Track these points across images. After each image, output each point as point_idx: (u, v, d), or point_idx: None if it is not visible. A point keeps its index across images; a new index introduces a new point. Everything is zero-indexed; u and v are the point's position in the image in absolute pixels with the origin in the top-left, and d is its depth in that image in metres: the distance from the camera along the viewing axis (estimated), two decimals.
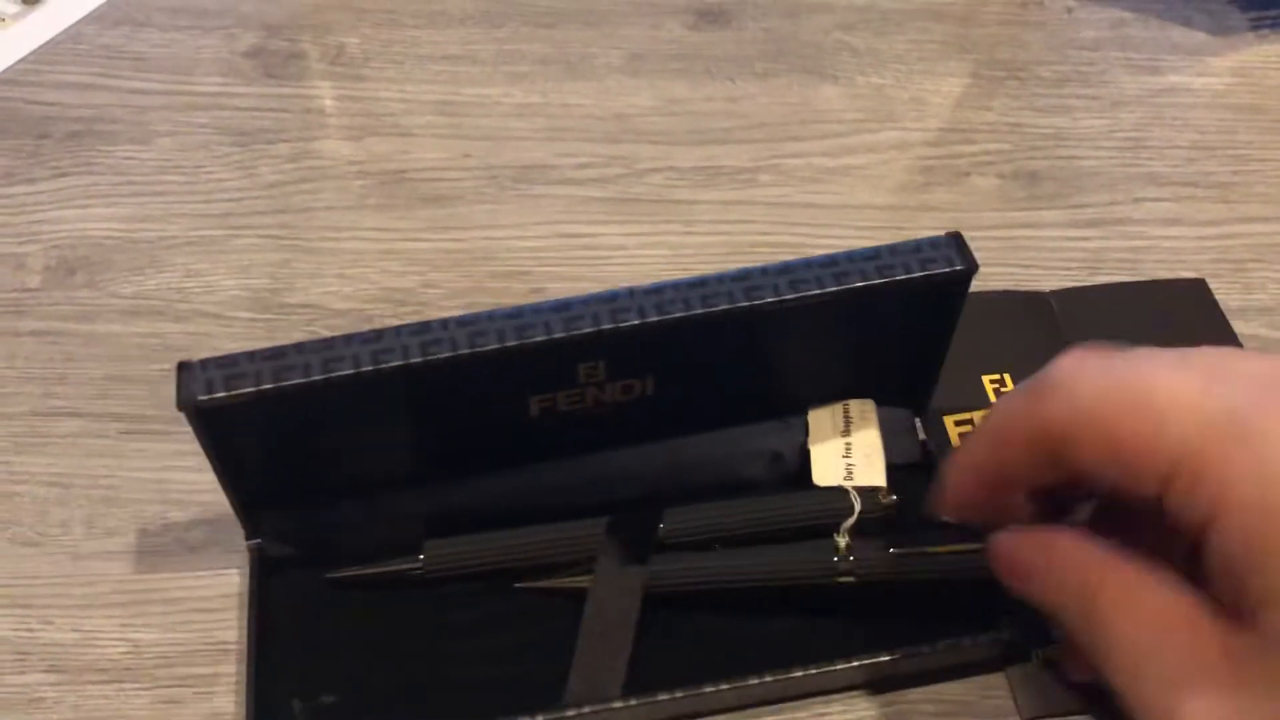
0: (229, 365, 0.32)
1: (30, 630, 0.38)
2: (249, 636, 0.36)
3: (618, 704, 0.34)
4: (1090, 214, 0.52)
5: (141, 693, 0.37)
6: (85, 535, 0.40)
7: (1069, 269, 0.49)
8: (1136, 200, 0.53)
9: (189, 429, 0.39)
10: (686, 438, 0.40)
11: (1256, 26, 0.61)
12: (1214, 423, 0.24)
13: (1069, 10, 0.63)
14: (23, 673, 0.37)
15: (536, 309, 0.33)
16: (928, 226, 0.50)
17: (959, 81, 0.58)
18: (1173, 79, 0.59)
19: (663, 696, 0.34)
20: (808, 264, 0.34)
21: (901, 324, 0.38)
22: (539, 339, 0.33)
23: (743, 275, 0.34)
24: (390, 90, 0.58)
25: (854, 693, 0.36)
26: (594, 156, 0.54)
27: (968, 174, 0.54)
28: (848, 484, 0.38)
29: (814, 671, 0.35)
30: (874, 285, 0.34)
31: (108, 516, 0.41)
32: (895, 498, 0.38)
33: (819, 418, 0.40)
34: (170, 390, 0.43)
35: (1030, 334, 0.47)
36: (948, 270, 0.35)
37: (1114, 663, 0.26)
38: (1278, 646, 0.23)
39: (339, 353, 0.32)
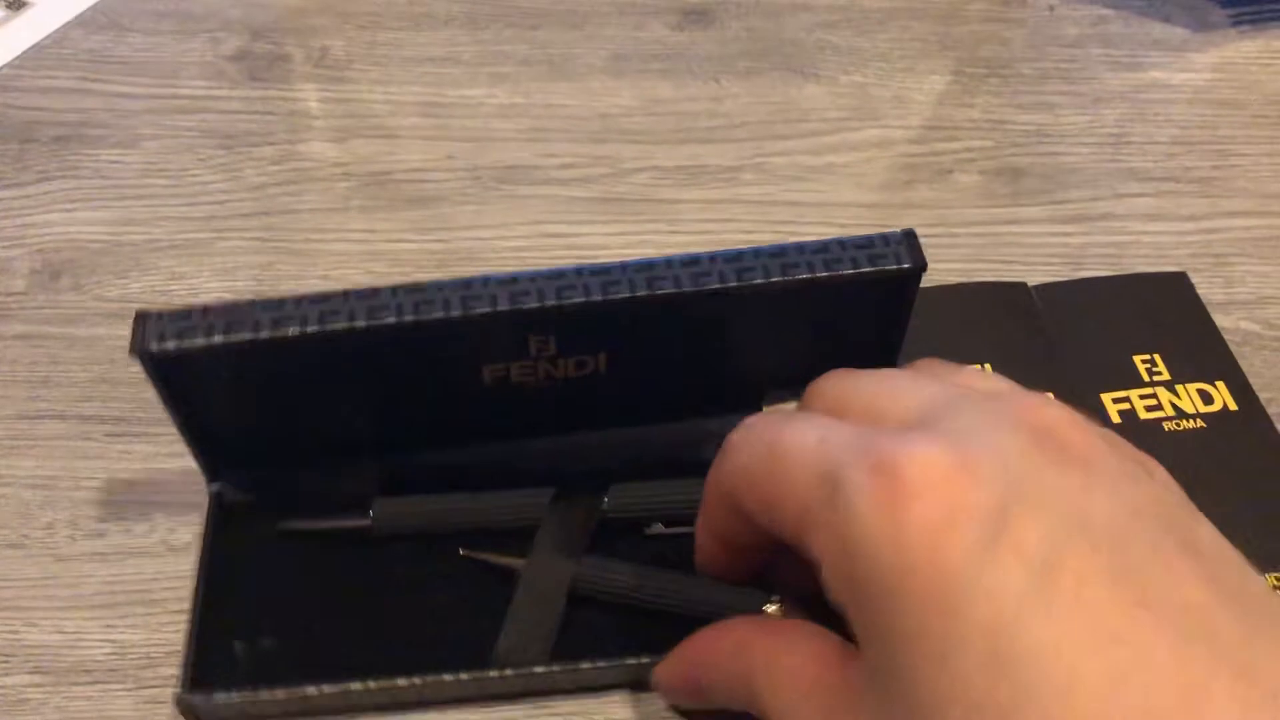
0: (183, 319, 0.34)
1: (14, 632, 0.38)
2: (198, 578, 0.37)
3: (540, 669, 0.35)
4: (1072, 210, 0.52)
5: (125, 694, 0.37)
6: (70, 537, 0.41)
7: (1051, 265, 0.50)
8: (1118, 196, 0.53)
9: (173, 431, 0.40)
10: (645, 426, 0.40)
11: (1237, 22, 0.61)
12: (819, 482, 0.26)
13: (1050, 8, 0.63)
14: (7, 674, 0.37)
15: (485, 280, 0.34)
16: (911, 224, 0.51)
17: (941, 79, 0.59)
18: (1154, 75, 0.59)
19: (585, 665, 0.35)
20: (756, 253, 0.35)
21: (854, 318, 0.38)
22: (483, 311, 0.34)
23: (691, 261, 0.34)
24: (374, 92, 0.58)
25: None
26: (578, 157, 0.54)
27: (950, 171, 0.54)
28: None
29: None
30: (819, 279, 0.34)
31: (92, 518, 0.41)
32: None
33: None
34: (154, 392, 0.43)
35: (1010, 325, 0.47)
36: (895, 268, 0.35)
37: None
38: (879, 677, 0.25)
39: (289, 313, 0.34)
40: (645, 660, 0.35)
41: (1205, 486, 0.41)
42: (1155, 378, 0.45)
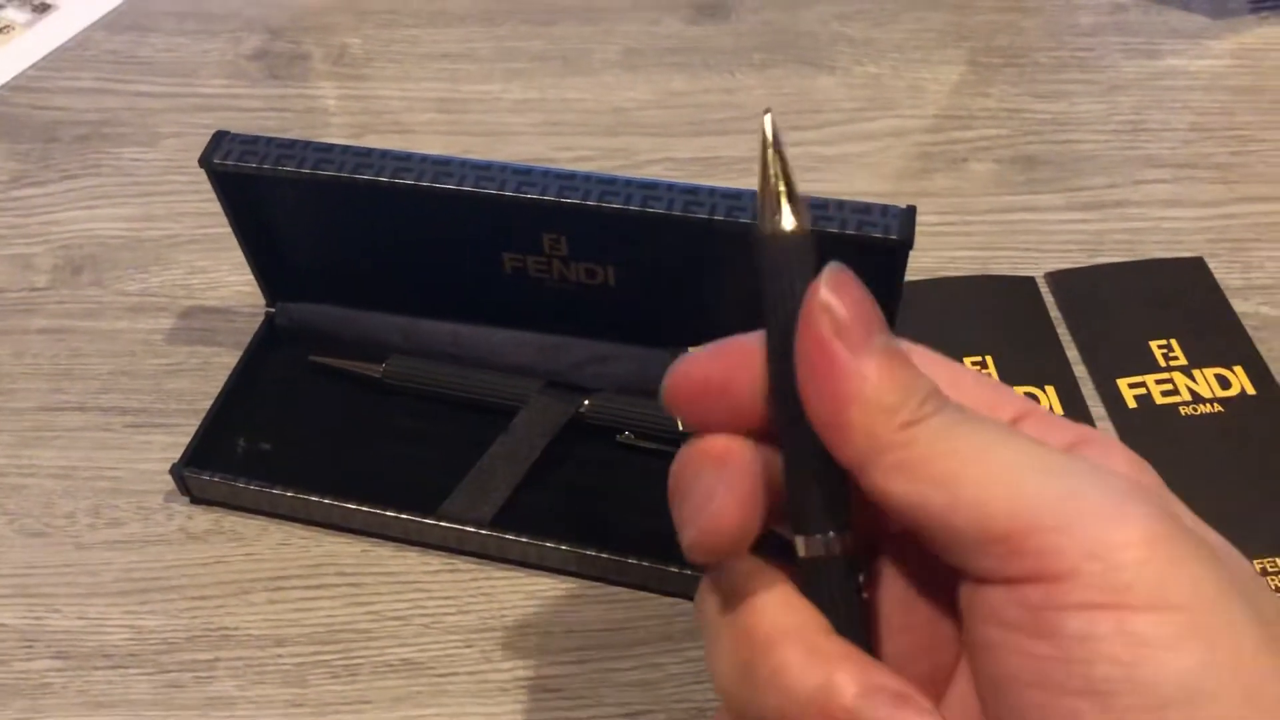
0: (249, 143, 0.39)
1: (37, 618, 0.39)
2: (229, 379, 0.43)
3: (474, 529, 0.39)
4: (1088, 197, 0.52)
5: (144, 678, 0.37)
6: (90, 525, 0.41)
7: (1068, 251, 0.49)
8: (1135, 183, 0.53)
9: (193, 422, 0.41)
10: (644, 347, 0.42)
11: (1256, 8, 0.61)
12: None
13: None
14: (30, 659, 0.38)
15: (503, 167, 0.38)
16: (926, 212, 0.50)
17: (956, 69, 0.59)
18: (1171, 62, 0.58)
19: (519, 538, 0.38)
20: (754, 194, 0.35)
21: None
22: (492, 191, 0.37)
23: (690, 190, 0.36)
24: (391, 89, 0.58)
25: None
26: (592, 150, 0.55)
27: (965, 160, 0.54)
28: None
29: (645, 564, 0.38)
30: None
31: (113, 508, 0.42)
32: None
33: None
34: (175, 384, 0.44)
35: (1015, 317, 0.47)
36: (881, 237, 0.35)
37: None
38: None
39: (331, 157, 0.38)
40: (582, 550, 0.38)
41: (1221, 471, 0.41)
42: (1172, 363, 0.45)
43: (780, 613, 0.21)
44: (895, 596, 0.22)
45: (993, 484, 0.19)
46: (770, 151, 0.20)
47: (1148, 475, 0.21)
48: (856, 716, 0.19)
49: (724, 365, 0.21)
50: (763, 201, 0.20)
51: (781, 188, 0.20)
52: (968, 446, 0.19)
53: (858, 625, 0.21)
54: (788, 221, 0.20)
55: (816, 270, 0.20)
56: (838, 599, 0.21)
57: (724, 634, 0.21)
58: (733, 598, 0.21)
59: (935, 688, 0.21)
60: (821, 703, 0.19)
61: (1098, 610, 0.17)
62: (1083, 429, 0.22)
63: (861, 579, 0.21)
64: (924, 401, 0.19)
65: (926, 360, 0.22)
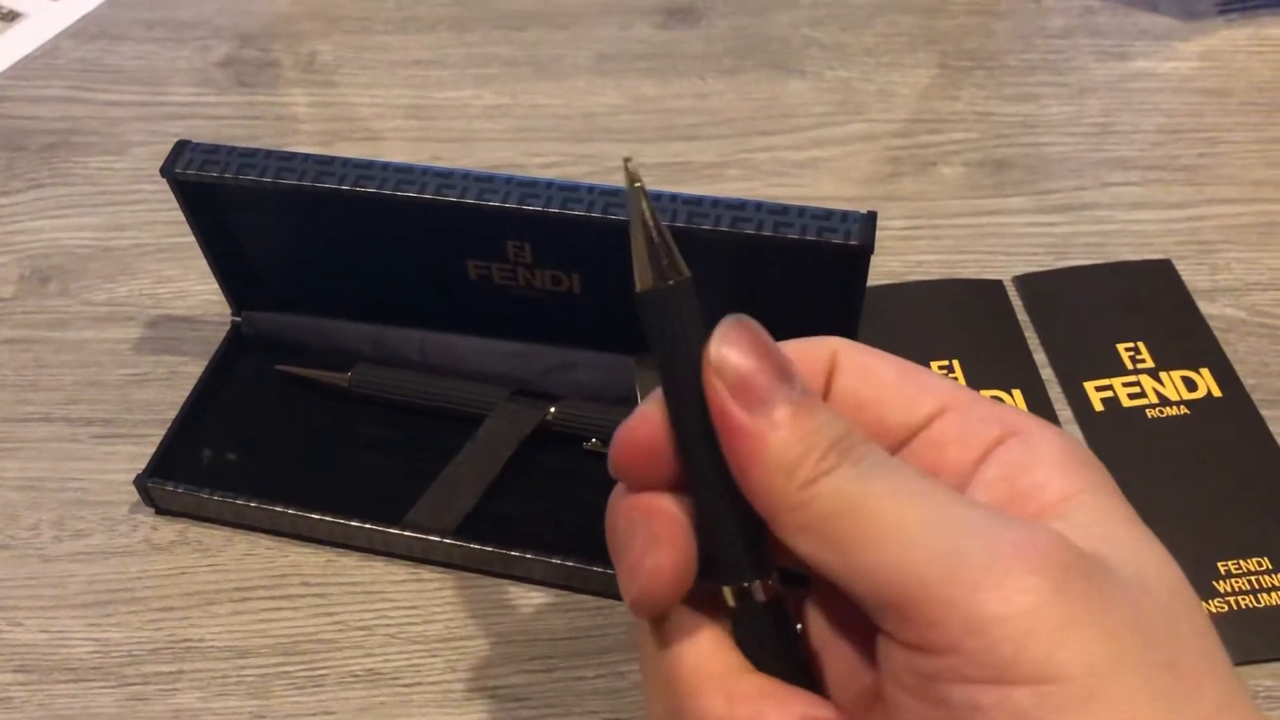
0: (211, 153, 0.39)
1: (0, 632, 0.38)
2: (194, 389, 0.43)
3: (438, 539, 0.39)
4: (1057, 200, 0.52)
5: (108, 691, 0.37)
6: (55, 537, 0.41)
7: (1035, 254, 0.50)
8: (1103, 185, 0.53)
9: (159, 432, 0.41)
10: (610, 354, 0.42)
11: (1225, 10, 0.61)
12: None
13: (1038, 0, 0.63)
14: None
15: (465, 174, 0.38)
16: (896, 216, 0.51)
17: (926, 73, 0.59)
18: (1140, 64, 0.59)
19: (483, 547, 0.38)
20: (715, 202, 0.36)
21: (803, 288, 0.38)
22: (453, 199, 0.37)
23: (654, 196, 0.36)
24: (361, 95, 0.58)
25: None
26: (562, 155, 0.55)
27: (934, 164, 0.54)
28: None
29: (610, 572, 0.37)
30: (763, 236, 0.35)
31: (78, 519, 0.41)
32: None
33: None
34: (141, 394, 0.44)
35: (983, 320, 0.47)
36: (841, 243, 0.35)
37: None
38: None
39: (293, 166, 0.38)
40: (546, 559, 0.38)
41: (1187, 474, 0.42)
42: (1139, 365, 0.45)
43: (705, 659, 0.21)
44: (835, 616, 0.22)
45: (885, 547, 0.19)
46: (641, 204, 0.20)
47: (1083, 466, 0.21)
48: None
49: (648, 427, 0.21)
50: (634, 259, 0.20)
51: (643, 242, 0.20)
52: (863, 505, 0.19)
53: (787, 661, 0.21)
54: (652, 278, 0.20)
55: (701, 316, 0.20)
56: (764, 640, 0.21)
57: (655, 680, 0.22)
58: (662, 645, 0.22)
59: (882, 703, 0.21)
60: None
61: (982, 685, 0.18)
62: (1010, 416, 0.22)
63: (795, 612, 0.22)
64: (825, 454, 0.19)
65: (852, 359, 0.22)
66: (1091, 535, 0.19)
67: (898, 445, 0.22)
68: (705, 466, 0.20)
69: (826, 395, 0.22)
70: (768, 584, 0.21)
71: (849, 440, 0.20)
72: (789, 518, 0.19)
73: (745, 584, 0.21)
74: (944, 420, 0.21)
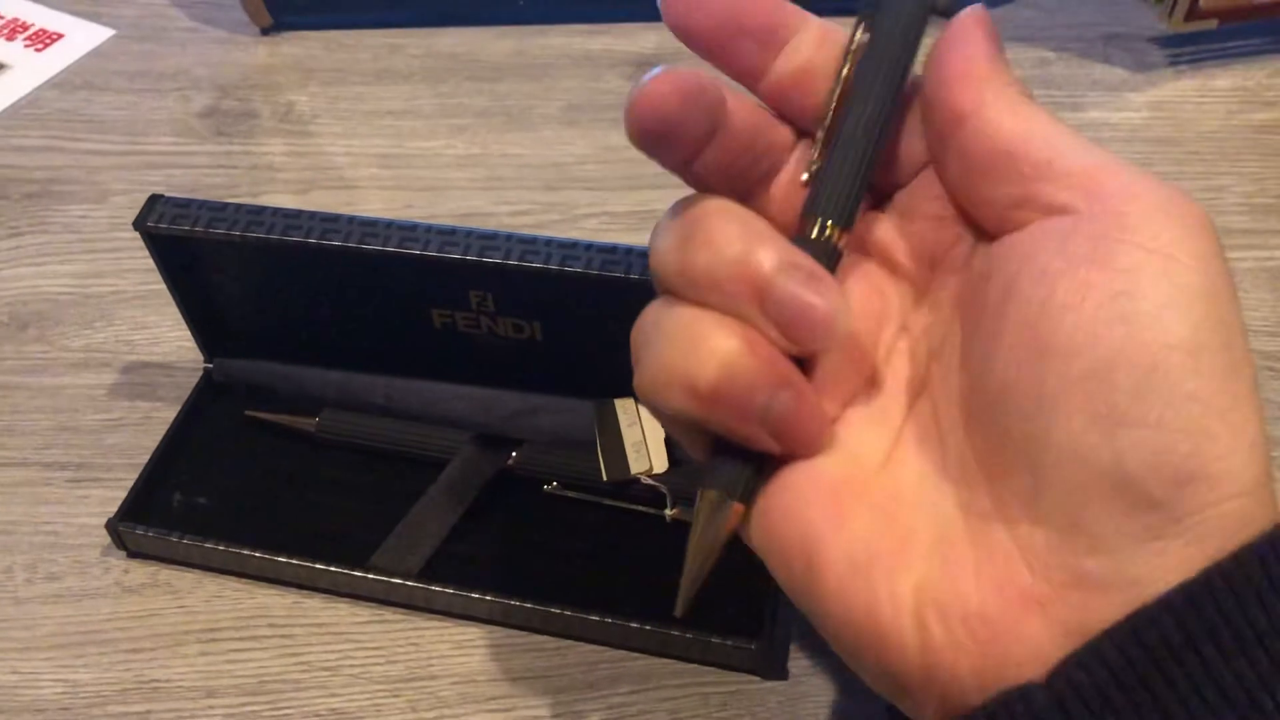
0: (183, 207, 0.41)
1: None
2: (166, 434, 0.44)
3: (401, 581, 0.40)
4: None
5: None
6: (28, 580, 0.42)
7: None
8: None
9: (132, 475, 0.42)
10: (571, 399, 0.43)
11: (1174, 62, 0.63)
12: None
13: None
14: None
15: (428, 227, 0.39)
16: None
17: None
18: (1094, 114, 0.61)
19: (445, 589, 0.39)
20: (630, 249, 0.38)
21: None
22: (415, 252, 0.39)
23: (609, 249, 0.38)
24: (336, 145, 0.60)
25: (619, 651, 0.39)
26: (532, 204, 0.56)
27: None
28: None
29: (569, 613, 0.38)
30: None
31: (50, 562, 0.42)
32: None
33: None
34: (115, 438, 0.45)
35: None
36: None
37: None
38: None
39: (262, 219, 0.40)
40: (506, 601, 0.39)
41: None
42: None
43: (730, 204, 0.24)
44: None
45: (1053, 143, 0.23)
46: None
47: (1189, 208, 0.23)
48: (772, 284, 0.22)
49: (683, 73, 0.23)
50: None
51: None
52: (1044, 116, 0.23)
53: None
54: None
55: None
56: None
57: (675, 219, 0.25)
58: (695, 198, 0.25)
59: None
60: (743, 267, 0.22)
61: (1147, 252, 0.21)
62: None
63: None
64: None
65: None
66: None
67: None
68: (873, 112, 0.24)
69: None
70: (846, 233, 0.24)
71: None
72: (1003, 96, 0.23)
73: (843, 228, 0.24)
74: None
